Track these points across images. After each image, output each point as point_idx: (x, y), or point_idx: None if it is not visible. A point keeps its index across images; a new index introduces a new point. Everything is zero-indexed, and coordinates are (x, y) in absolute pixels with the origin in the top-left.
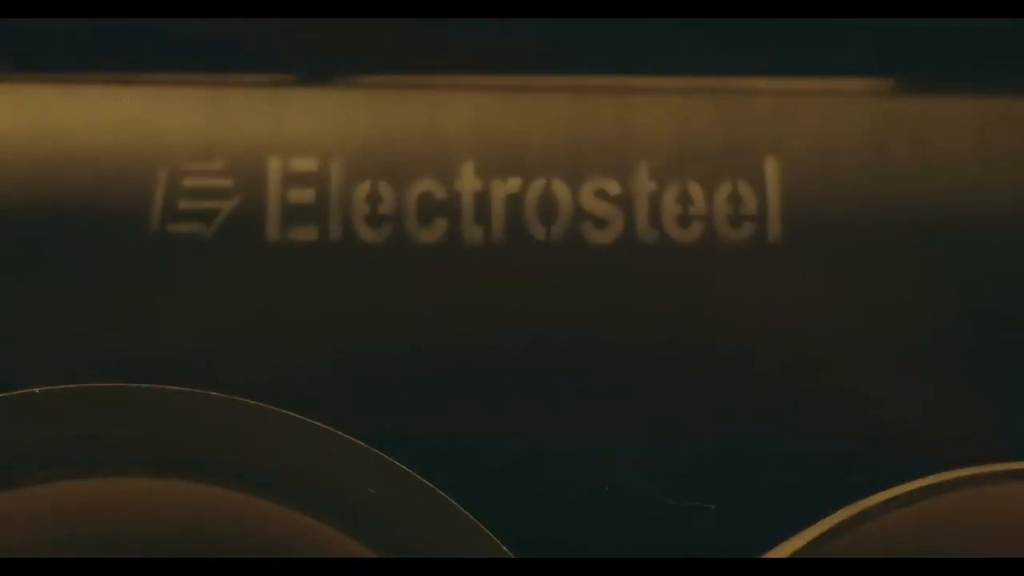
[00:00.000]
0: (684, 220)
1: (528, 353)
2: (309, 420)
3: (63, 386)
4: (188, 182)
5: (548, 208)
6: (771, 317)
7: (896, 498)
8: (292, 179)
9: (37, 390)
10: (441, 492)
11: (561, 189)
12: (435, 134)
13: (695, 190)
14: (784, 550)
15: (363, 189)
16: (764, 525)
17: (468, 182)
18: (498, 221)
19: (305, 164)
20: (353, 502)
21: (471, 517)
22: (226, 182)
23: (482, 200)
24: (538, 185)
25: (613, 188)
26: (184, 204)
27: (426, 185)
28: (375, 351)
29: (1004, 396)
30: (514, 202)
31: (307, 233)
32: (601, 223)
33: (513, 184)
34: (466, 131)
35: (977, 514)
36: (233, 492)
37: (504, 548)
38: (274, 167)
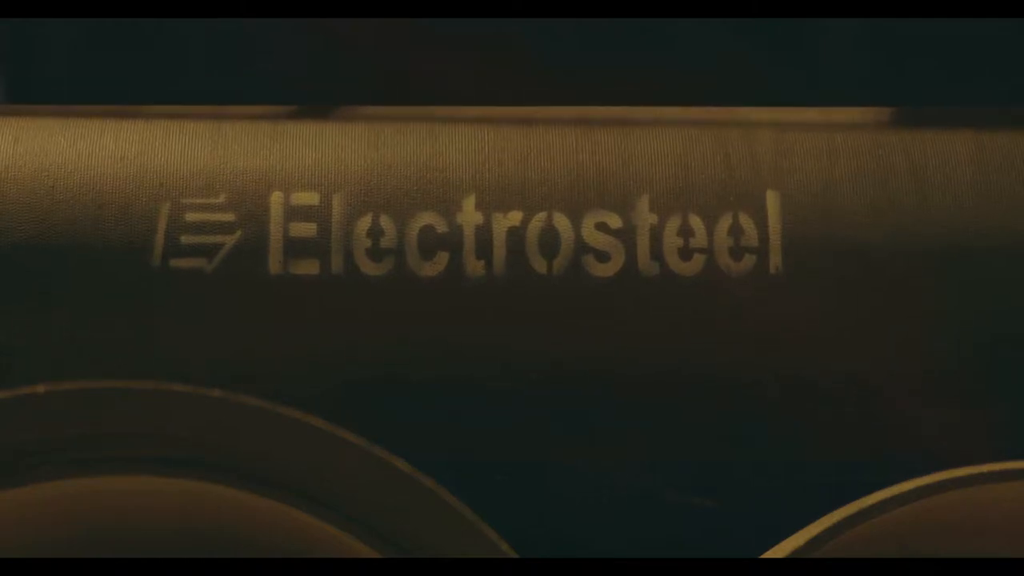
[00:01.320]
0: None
1: (529, 384)
2: (310, 419)
3: (65, 385)
4: (190, 216)
5: (549, 241)
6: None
7: (895, 498)
8: (294, 213)
9: (41, 388)
10: (442, 492)
11: (563, 222)
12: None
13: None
14: (783, 550)
15: (365, 223)
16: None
17: (470, 215)
18: (499, 254)
19: (307, 198)
20: (354, 501)
21: (471, 517)
22: (228, 216)
23: (484, 233)
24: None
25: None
26: (186, 239)
27: (428, 218)
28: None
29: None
30: (515, 235)
31: (309, 267)
32: (602, 256)
33: (514, 217)
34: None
35: (974, 514)
36: (233, 491)
37: (504, 548)
38: (276, 201)
